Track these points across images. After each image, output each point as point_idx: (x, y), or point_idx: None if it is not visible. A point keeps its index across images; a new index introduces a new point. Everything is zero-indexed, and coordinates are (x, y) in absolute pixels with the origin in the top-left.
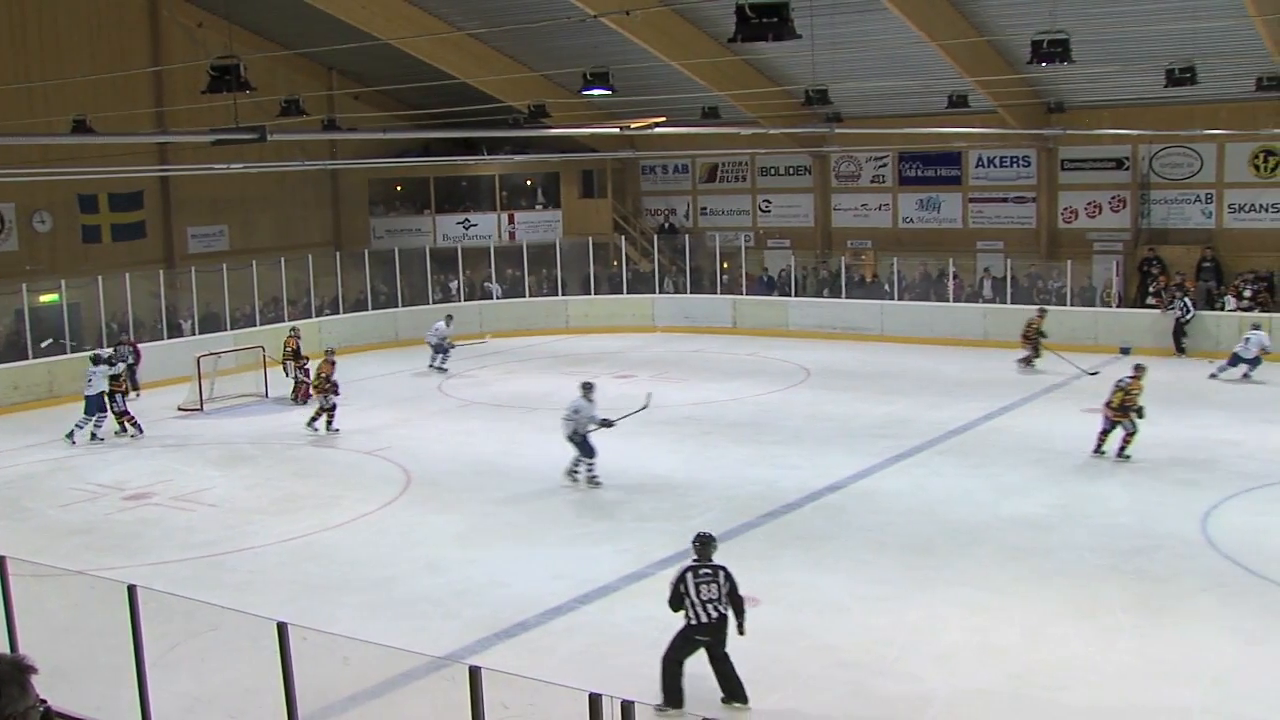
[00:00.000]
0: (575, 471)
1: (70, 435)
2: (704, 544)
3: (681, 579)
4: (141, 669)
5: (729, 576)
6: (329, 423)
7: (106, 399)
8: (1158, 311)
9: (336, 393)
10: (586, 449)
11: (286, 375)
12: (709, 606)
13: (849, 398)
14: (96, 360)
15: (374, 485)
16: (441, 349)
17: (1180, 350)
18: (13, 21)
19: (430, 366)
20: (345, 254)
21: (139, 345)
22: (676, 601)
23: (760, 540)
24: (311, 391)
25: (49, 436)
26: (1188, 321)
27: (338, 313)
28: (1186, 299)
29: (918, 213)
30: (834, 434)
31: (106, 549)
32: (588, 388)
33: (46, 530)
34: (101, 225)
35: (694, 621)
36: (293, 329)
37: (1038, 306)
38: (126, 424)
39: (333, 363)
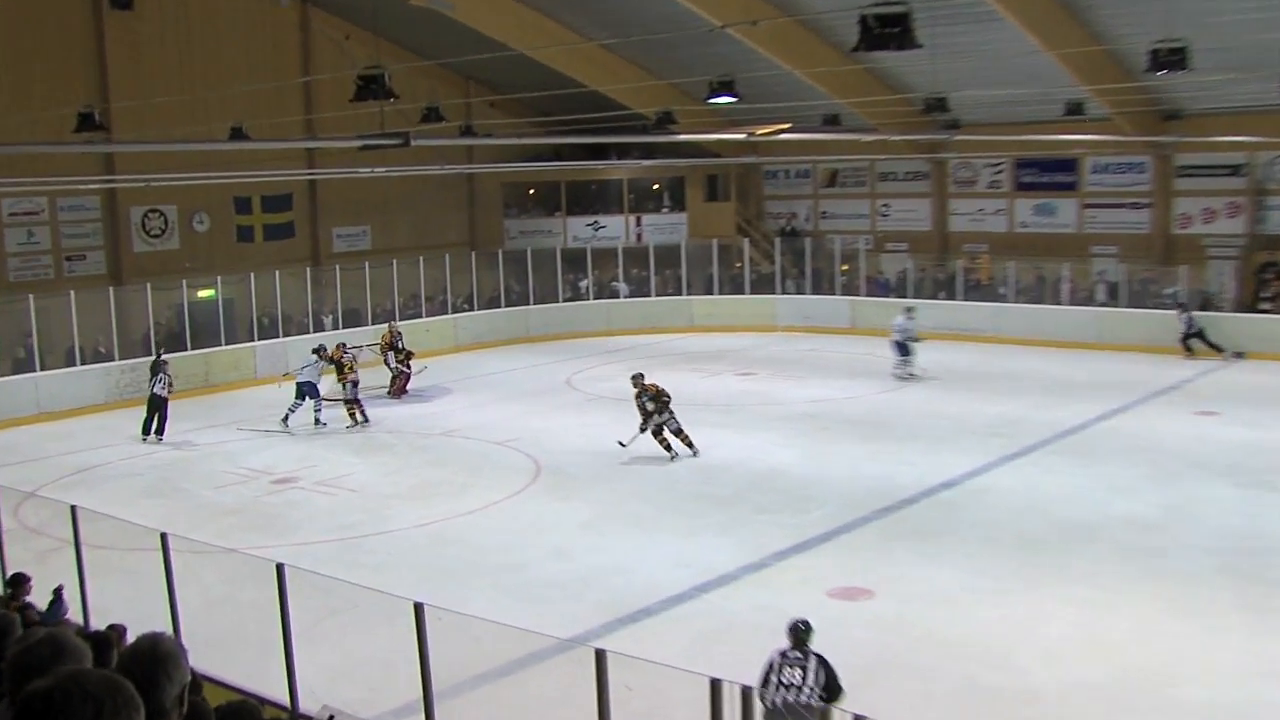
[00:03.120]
0: None
1: (285, 419)
2: (795, 634)
3: (770, 662)
4: (288, 641)
5: (823, 664)
6: (354, 415)
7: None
8: (1277, 316)
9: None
10: None
11: (389, 368)
12: (787, 692)
13: (963, 397)
14: (319, 353)
15: (504, 474)
16: (906, 349)
17: None
18: (179, 39)
19: (897, 374)
20: (480, 254)
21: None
22: (762, 684)
23: (875, 533)
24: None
25: (204, 423)
26: None
27: (472, 309)
28: None
29: (1033, 217)
30: (949, 432)
31: (256, 528)
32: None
33: (202, 510)
34: (254, 226)
35: (769, 706)
36: (391, 323)
37: (1182, 309)
38: (355, 413)
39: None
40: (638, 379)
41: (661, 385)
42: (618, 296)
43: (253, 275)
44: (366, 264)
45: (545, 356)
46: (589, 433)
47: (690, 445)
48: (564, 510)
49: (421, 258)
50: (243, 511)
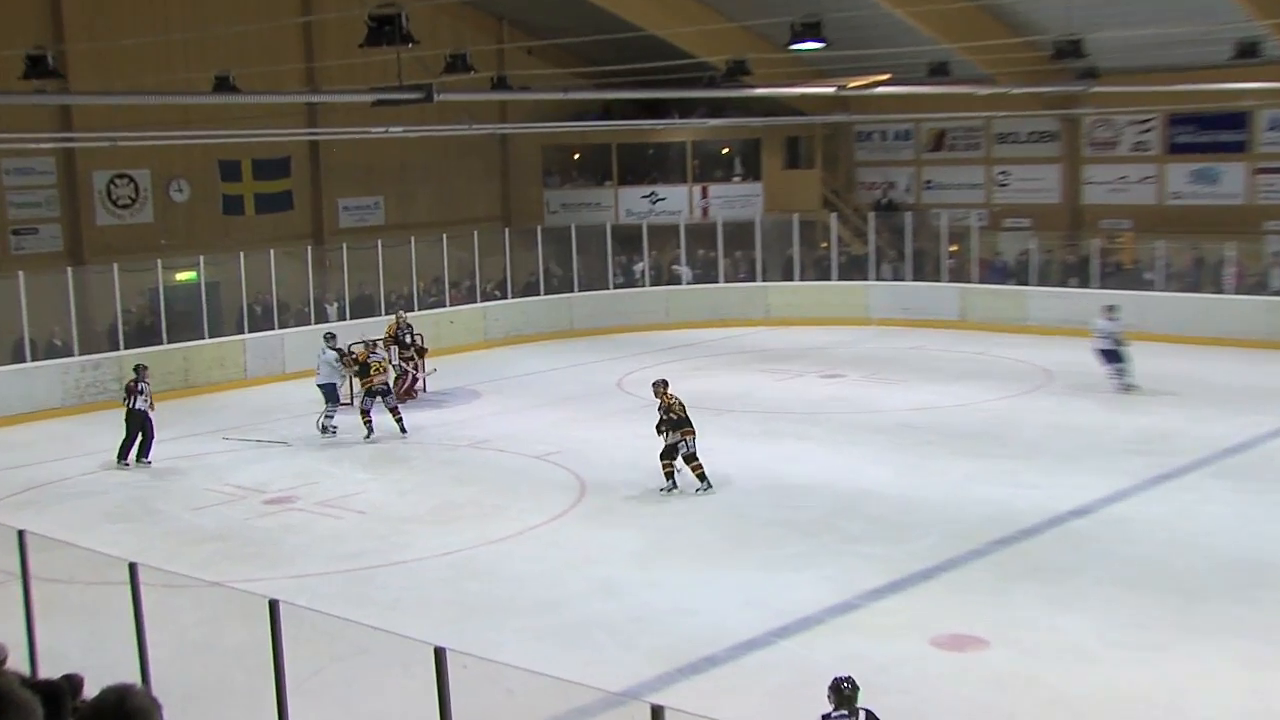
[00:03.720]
0: None
1: (325, 429)
2: (839, 693)
3: None
4: (282, 694)
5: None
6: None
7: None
8: None
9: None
10: None
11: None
12: None
13: (1098, 406)
14: (337, 349)
15: (543, 493)
16: (1117, 355)
17: None
18: None
19: (1117, 385)
20: (515, 231)
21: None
22: None
23: (990, 571)
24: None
25: (183, 431)
26: None
27: (506, 297)
28: None
29: (1190, 186)
30: (1080, 449)
31: (245, 558)
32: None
33: (180, 535)
34: (244, 195)
35: None
36: (399, 312)
37: None
38: (396, 420)
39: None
40: (659, 387)
41: (680, 399)
42: (679, 283)
43: (242, 255)
44: (379, 242)
45: (592, 354)
46: (642, 445)
47: (703, 478)
48: (613, 538)
49: (445, 235)
50: (229, 537)
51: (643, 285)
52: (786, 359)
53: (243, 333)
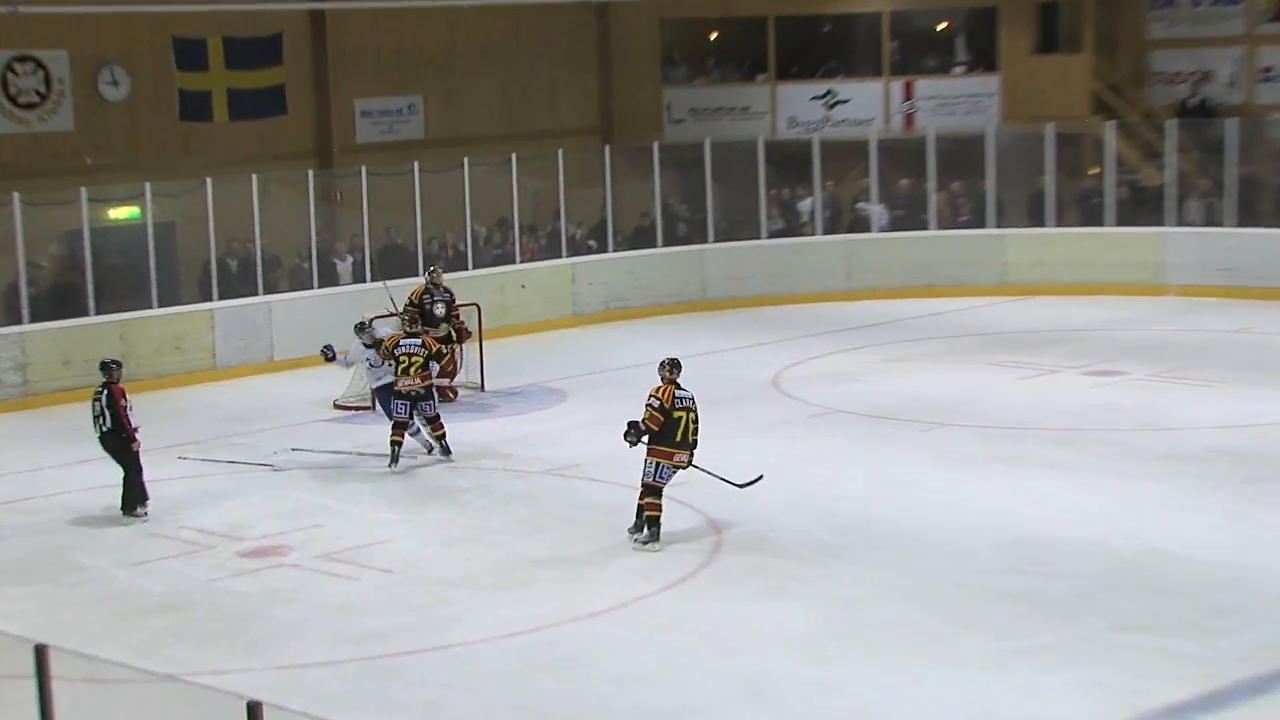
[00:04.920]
0: None
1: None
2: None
3: None
4: None
5: None
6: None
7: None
8: None
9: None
10: None
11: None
12: None
13: None
14: (365, 333)
15: (663, 546)
16: None
17: None
18: None
19: None
20: (620, 150)
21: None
22: None
23: None
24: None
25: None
26: None
27: (604, 250)
28: None
29: None
30: None
31: (210, 638)
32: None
33: (113, 603)
34: (211, 92)
35: None
36: (433, 268)
37: None
38: (433, 438)
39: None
40: (666, 369)
41: (690, 398)
42: (868, 229)
43: (209, 183)
44: (416, 165)
45: (734, 336)
46: (811, 474)
47: (647, 525)
48: (766, 613)
49: (514, 156)
50: (186, 607)
51: (811, 233)
52: (1033, 347)
53: (210, 299)
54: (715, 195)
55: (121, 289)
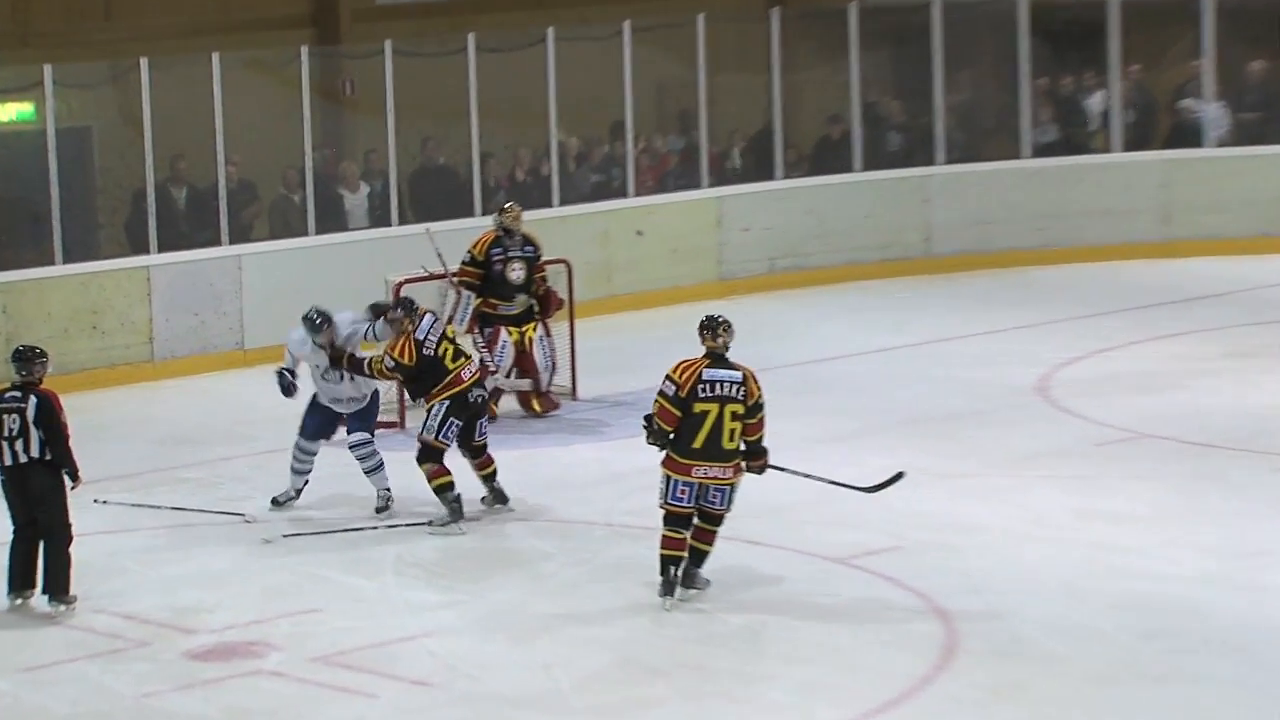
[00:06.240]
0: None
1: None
2: None
3: None
4: None
5: None
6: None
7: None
8: None
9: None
10: None
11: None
12: None
13: None
14: (310, 323)
15: (859, 649)
16: None
17: None
18: None
19: None
20: (794, 15)
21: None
22: None
23: None
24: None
25: None
26: None
27: (768, 177)
28: None
29: None
30: None
31: None
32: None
33: None
34: None
35: None
36: (506, 207)
37: None
38: (492, 486)
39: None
40: (708, 334)
41: (723, 370)
42: (1199, 142)
43: (145, 65)
44: (471, 39)
45: (973, 314)
46: (1104, 538)
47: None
48: None
49: (627, 23)
50: None
51: (1105, 150)
52: None
53: (145, 252)
54: (948, 88)
55: (4, 233)
